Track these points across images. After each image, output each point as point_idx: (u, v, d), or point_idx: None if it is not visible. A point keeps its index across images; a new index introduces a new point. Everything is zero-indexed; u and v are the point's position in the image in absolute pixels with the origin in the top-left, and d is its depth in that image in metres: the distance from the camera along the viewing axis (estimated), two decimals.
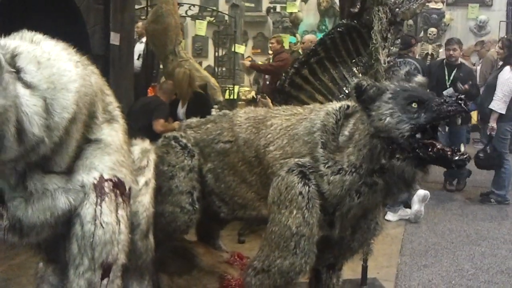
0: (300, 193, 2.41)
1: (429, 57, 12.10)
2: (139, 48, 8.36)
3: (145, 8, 8.95)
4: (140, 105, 5.87)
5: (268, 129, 2.71)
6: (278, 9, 14.26)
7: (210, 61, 13.23)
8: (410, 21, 12.14)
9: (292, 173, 2.45)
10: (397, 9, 3.34)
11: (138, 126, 5.04)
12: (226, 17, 12.42)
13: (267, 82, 9.09)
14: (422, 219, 5.69)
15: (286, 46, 9.18)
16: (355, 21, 3.61)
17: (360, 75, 3.53)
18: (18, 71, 1.90)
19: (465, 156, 2.27)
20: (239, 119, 2.89)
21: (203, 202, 2.97)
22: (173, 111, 6.10)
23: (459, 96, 2.24)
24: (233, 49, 10.72)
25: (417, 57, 7.93)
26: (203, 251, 3.34)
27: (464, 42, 9.78)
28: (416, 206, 5.61)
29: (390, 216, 5.56)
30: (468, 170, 6.89)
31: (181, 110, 6.12)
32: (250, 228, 4.48)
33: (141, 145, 2.68)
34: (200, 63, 10.15)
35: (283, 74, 3.87)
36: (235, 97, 9.49)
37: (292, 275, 2.48)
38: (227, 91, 9.79)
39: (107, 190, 2.11)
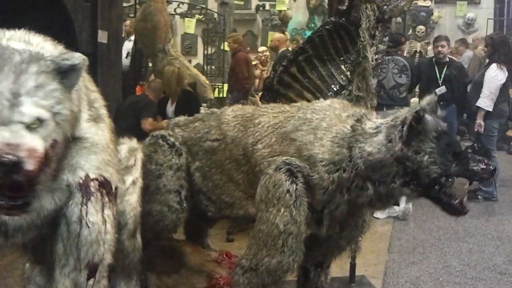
0: (288, 191, 2.42)
1: (417, 54, 12.16)
2: (128, 46, 8.34)
3: (134, 6, 8.92)
4: (129, 104, 5.84)
5: (256, 127, 2.71)
6: (267, 7, 14.29)
7: (199, 59, 13.21)
8: (399, 19, 12.19)
9: (279, 171, 2.45)
10: (385, 7, 3.35)
11: (126, 125, 5.02)
12: (215, 15, 12.42)
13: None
14: (410, 216, 5.73)
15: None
16: (343, 19, 3.61)
17: (348, 73, 3.54)
18: None
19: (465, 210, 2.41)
20: (227, 117, 2.89)
21: (191, 201, 2.96)
22: (162, 109, 6.08)
23: (491, 165, 2.34)
24: (222, 47, 10.72)
25: (405, 54, 7.95)
26: (191, 250, 3.33)
27: (452, 40, 9.84)
28: (404, 203, 5.63)
29: (378, 213, 5.57)
30: None
31: (170, 108, 6.10)
32: (239, 226, 4.47)
33: (128, 144, 2.66)
34: (190, 61, 10.13)
35: (271, 72, 3.86)
36: (224, 95, 9.48)
37: (280, 273, 2.49)
38: (216, 89, 9.78)
39: (93, 189, 2.09)
